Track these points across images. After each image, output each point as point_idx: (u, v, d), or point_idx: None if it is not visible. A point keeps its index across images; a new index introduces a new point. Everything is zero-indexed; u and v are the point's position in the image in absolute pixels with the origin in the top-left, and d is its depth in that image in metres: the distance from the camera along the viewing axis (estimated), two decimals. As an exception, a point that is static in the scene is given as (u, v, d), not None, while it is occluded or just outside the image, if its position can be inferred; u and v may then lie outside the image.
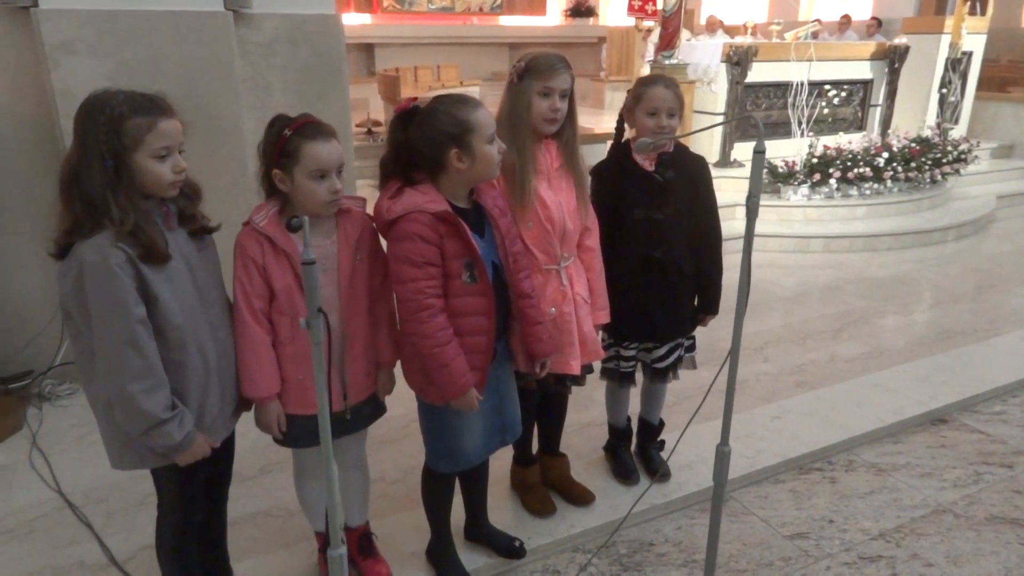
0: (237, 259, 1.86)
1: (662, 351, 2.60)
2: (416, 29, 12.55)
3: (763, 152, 1.40)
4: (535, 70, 2.12)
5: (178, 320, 1.67)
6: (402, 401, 2.13)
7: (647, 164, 2.41)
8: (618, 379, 2.65)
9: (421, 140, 1.83)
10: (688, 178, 2.45)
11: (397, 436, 3.05)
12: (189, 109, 3.26)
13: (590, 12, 14.35)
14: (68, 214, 1.58)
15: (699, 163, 2.50)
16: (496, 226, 1.96)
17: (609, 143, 2.58)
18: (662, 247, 2.44)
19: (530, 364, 2.14)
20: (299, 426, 1.97)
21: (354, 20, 12.47)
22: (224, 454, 1.98)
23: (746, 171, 6.53)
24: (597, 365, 2.56)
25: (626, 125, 2.46)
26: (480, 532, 2.41)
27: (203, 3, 3.32)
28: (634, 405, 2.84)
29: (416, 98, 1.89)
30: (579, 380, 2.42)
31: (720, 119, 6.70)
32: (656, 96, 2.34)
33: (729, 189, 6.50)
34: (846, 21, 11.13)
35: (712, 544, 1.99)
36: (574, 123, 2.24)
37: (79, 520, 2.57)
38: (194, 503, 1.92)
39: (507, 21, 13.98)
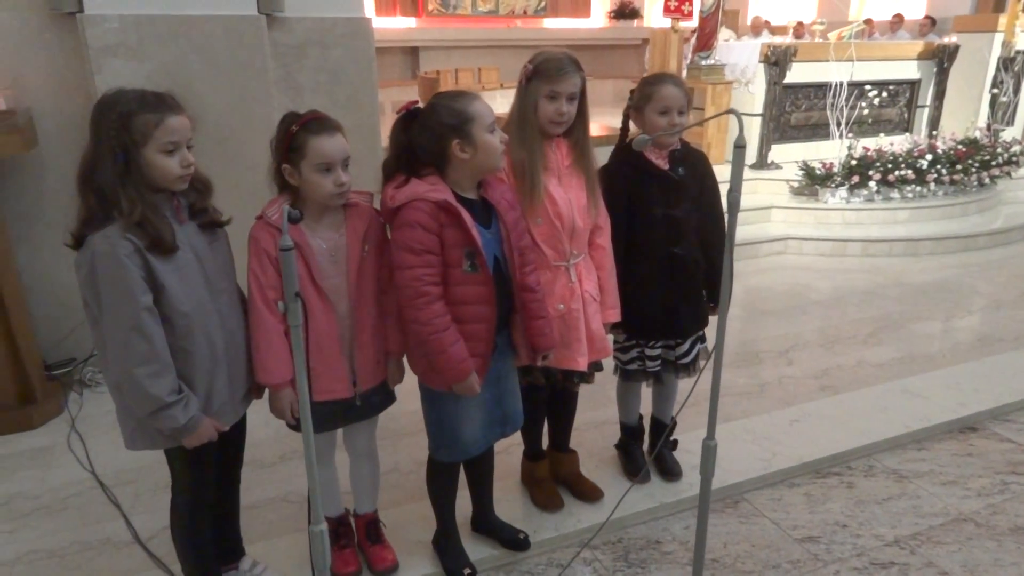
0: (251, 251, 1.94)
1: (685, 346, 2.61)
2: (460, 32, 12.69)
3: (743, 147, 1.41)
4: (543, 74, 2.14)
5: (185, 308, 1.75)
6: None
7: (662, 163, 2.43)
8: (643, 379, 2.67)
9: (423, 135, 1.89)
10: (697, 174, 2.47)
11: (414, 429, 3.09)
12: (222, 109, 3.46)
13: (634, 14, 14.28)
14: (83, 206, 1.68)
15: (703, 158, 2.53)
16: (502, 219, 2.00)
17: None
18: (681, 243, 2.45)
19: (532, 357, 2.17)
20: (311, 413, 2.04)
21: (399, 24, 12.68)
22: (235, 438, 2.06)
23: (783, 173, 6.45)
24: (607, 363, 2.58)
25: (631, 125, 2.47)
26: (486, 524, 2.45)
27: (238, 7, 3.45)
28: (647, 405, 2.85)
29: (416, 100, 1.95)
30: (586, 377, 2.45)
31: (757, 119, 6.63)
32: (667, 95, 2.35)
33: (765, 191, 6.43)
34: (898, 20, 10.83)
35: (700, 537, 1.99)
36: (585, 123, 2.26)
37: (109, 499, 2.71)
38: (205, 484, 2.01)
39: (551, 24, 14.01)
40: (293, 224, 1.70)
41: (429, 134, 1.88)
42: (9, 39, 3.29)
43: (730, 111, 1.37)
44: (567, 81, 2.13)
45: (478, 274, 1.94)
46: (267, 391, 2.03)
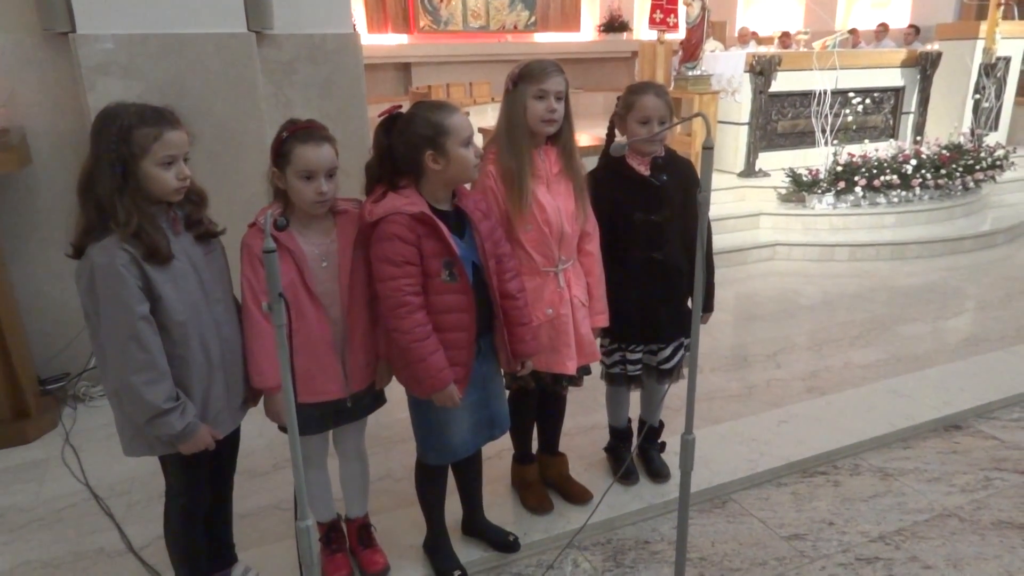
0: (244, 258, 1.98)
1: (667, 351, 2.65)
2: (451, 48, 12.82)
3: (711, 148, 1.46)
4: (528, 75, 2.19)
5: (181, 317, 1.79)
6: (413, 402, 2.21)
7: (643, 169, 2.48)
8: (625, 383, 2.70)
9: (400, 143, 1.94)
10: (681, 181, 2.52)
11: (406, 436, 3.09)
12: (214, 125, 3.52)
13: (623, 27, 14.45)
14: (83, 217, 1.73)
15: (689, 166, 2.57)
16: (476, 228, 2.05)
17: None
18: (662, 249, 2.50)
19: (511, 363, 2.21)
20: (304, 414, 2.06)
21: (392, 40, 12.81)
22: (228, 445, 2.09)
23: (771, 181, 6.53)
24: (595, 368, 2.62)
25: (616, 132, 2.52)
26: (476, 527, 2.48)
27: (227, 25, 3.52)
28: (635, 408, 2.89)
29: (400, 105, 2.01)
30: (575, 381, 2.49)
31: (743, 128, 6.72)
32: (647, 105, 2.40)
33: (754, 198, 6.51)
34: (883, 29, 10.97)
35: (682, 531, 2.04)
36: (571, 127, 2.31)
37: (102, 510, 2.73)
38: (199, 490, 2.04)
39: (541, 38, 14.16)
40: (280, 231, 1.74)
41: (405, 143, 1.93)
42: (3, 59, 3.35)
43: (697, 115, 1.42)
44: (552, 80, 2.18)
45: (457, 283, 1.98)
46: (262, 397, 2.07)
